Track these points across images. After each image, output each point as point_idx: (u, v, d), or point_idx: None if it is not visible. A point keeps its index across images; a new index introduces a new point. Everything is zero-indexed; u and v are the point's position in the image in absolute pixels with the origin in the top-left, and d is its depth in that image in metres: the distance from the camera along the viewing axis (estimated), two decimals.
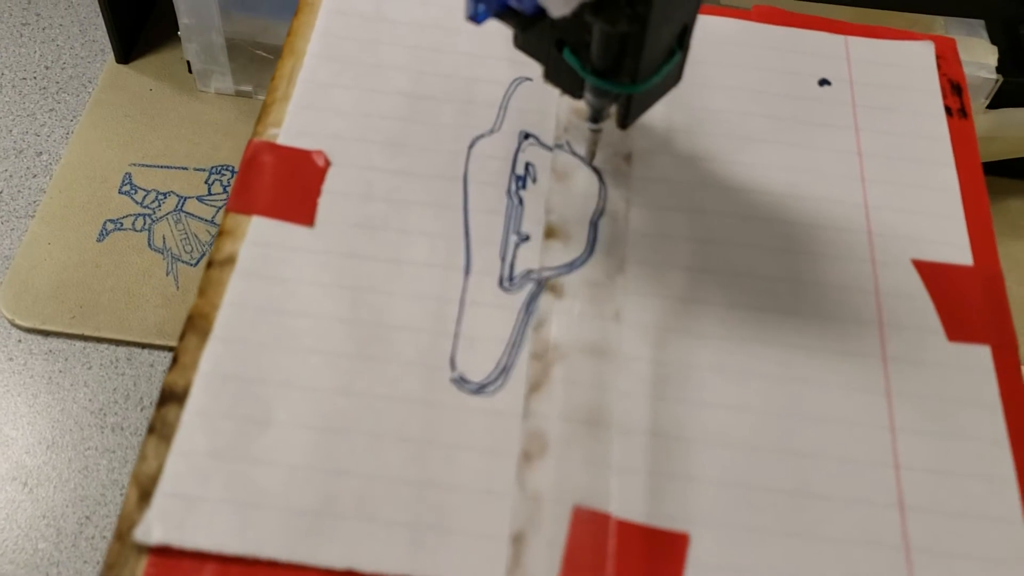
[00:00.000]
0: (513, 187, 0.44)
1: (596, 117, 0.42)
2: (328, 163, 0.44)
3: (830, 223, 0.44)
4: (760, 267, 0.42)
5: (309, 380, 0.37)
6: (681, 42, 0.38)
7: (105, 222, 0.79)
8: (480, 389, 0.38)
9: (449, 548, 0.33)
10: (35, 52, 0.90)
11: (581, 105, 0.45)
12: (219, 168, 0.85)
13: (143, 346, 0.72)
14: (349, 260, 0.41)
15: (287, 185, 0.43)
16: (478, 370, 0.38)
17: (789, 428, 0.37)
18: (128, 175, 0.83)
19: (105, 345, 0.72)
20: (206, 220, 0.81)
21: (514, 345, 0.39)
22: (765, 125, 0.47)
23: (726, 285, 0.41)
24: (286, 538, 0.33)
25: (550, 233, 0.43)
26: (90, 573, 0.62)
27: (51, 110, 0.86)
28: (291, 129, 0.45)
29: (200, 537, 0.33)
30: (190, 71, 0.91)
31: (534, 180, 0.45)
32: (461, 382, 0.38)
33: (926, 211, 0.45)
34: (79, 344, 0.71)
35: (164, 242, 0.80)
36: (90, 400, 0.69)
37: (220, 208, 0.81)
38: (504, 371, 0.38)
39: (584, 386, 0.37)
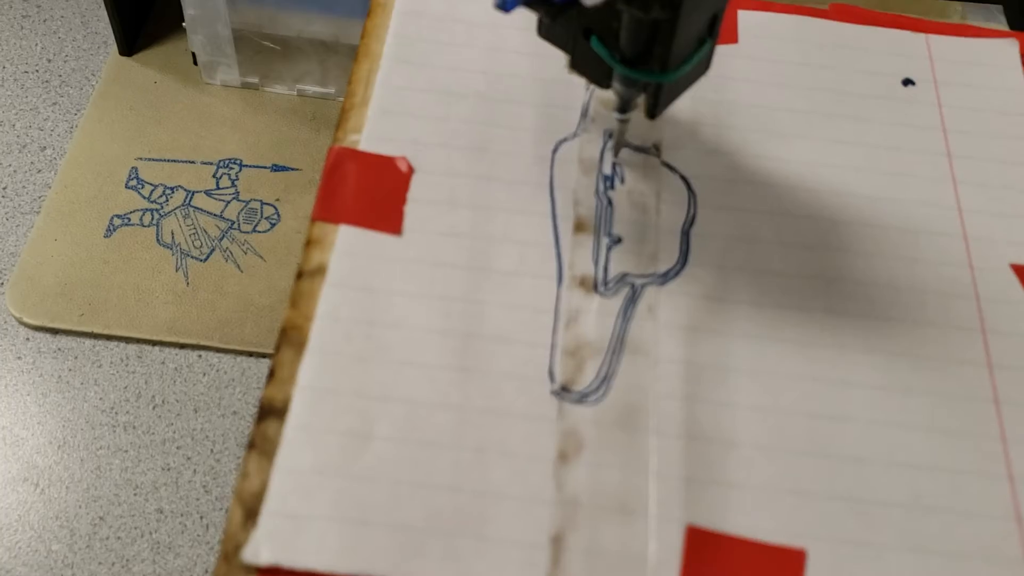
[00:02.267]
0: (601, 187, 0.42)
1: (624, 107, 0.40)
2: (411, 169, 0.41)
3: (923, 226, 0.43)
4: (854, 271, 0.41)
5: (407, 393, 0.35)
6: (711, 30, 0.37)
7: (112, 217, 0.75)
8: (582, 399, 0.36)
9: (579, 563, 0.31)
10: (36, 45, 0.84)
11: (608, 95, 0.43)
12: (227, 162, 0.81)
13: (154, 343, 0.68)
14: (439, 269, 0.39)
15: (372, 193, 0.40)
16: (579, 380, 0.36)
17: (899, 440, 0.36)
18: (134, 169, 0.79)
19: (115, 343, 0.68)
20: (215, 215, 0.77)
21: (614, 353, 0.37)
22: (850, 127, 0.46)
23: (823, 291, 0.40)
24: (394, 556, 0.31)
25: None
26: (104, 575, 0.58)
27: (54, 104, 0.81)
28: (372, 135, 0.42)
29: (309, 557, 0.30)
30: (195, 63, 0.87)
31: (622, 180, 0.43)
32: (563, 393, 0.36)
33: (1022, 214, 0.44)
34: (88, 342, 0.67)
35: (173, 237, 0.75)
36: (101, 399, 0.65)
37: (229, 202, 0.77)
38: (605, 380, 0.36)
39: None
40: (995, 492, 0.35)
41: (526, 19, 0.47)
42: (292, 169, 0.81)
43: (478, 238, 0.40)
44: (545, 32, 0.39)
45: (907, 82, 0.48)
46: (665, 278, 0.40)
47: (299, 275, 0.37)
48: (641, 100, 0.39)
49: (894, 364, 0.38)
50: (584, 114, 0.45)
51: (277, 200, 0.79)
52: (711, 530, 0.33)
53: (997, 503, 0.34)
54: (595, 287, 0.39)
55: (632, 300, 0.39)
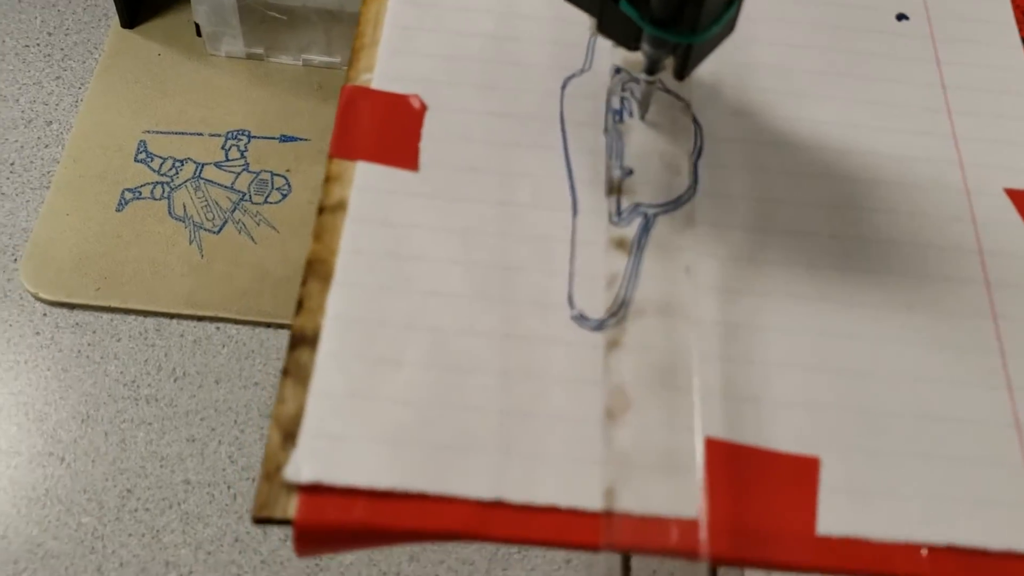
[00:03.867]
0: (611, 121, 0.45)
1: (653, 68, 0.43)
2: (424, 106, 0.44)
3: (921, 154, 0.46)
4: (856, 199, 0.44)
5: (432, 321, 0.38)
6: None
7: (123, 191, 0.79)
8: (601, 325, 0.39)
9: (592, 476, 0.35)
10: (36, 18, 0.89)
11: (635, 56, 0.46)
12: (235, 133, 0.85)
13: (171, 316, 0.72)
14: (456, 204, 0.42)
15: (387, 130, 0.44)
16: (597, 307, 0.40)
17: (904, 354, 0.39)
18: (143, 143, 0.83)
19: (133, 316, 0.72)
20: (226, 187, 0.81)
21: (630, 279, 0.40)
22: (845, 60, 0.49)
23: (826, 217, 0.43)
24: (432, 471, 0.34)
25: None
26: (135, 546, 0.62)
27: (58, 78, 0.85)
28: (383, 74, 0.46)
29: (349, 473, 0.34)
30: (198, 34, 0.91)
31: (631, 114, 0.46)
32: (581, 319, 0.39)
33: (1014, 141, 0.47)
34: (106, 316, 0.71)
35: (185, 210, 0.79)
36: (121, 373, 0.69)
37: (239, 174, 0.81)
38: (623, 305, 0.40)
39: (663, 349, 0.38)
40: (995, 401, 0.38)
41: None
42: (301, 139, 0.85)
43: (492, 172, 0.43)
44: None
45: (901, 16, 0.51)
46: (677, 204, 0.43)
47: (320, 210, 0.41)
48: (669, 61, 0.41)
49: (897, 283, 0.41)
50: (589, 50, 0.48)
51: (287, 171, 0.83)
52: (733, 442, 0.36)
53: (997, 412, 0.37)
54: (609, 218, 0.42)
55: (645, 229, 0.42)
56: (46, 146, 0.80)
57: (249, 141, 0.84)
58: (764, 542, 0.34)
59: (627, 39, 0.42)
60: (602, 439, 0.36)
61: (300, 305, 0.37)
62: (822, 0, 0.51)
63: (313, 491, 0.33)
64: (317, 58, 0.90)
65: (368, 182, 0.42)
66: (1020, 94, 0.49)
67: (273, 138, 0.85)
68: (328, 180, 0.42)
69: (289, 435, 0.34)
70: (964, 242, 0.44)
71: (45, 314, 0.71)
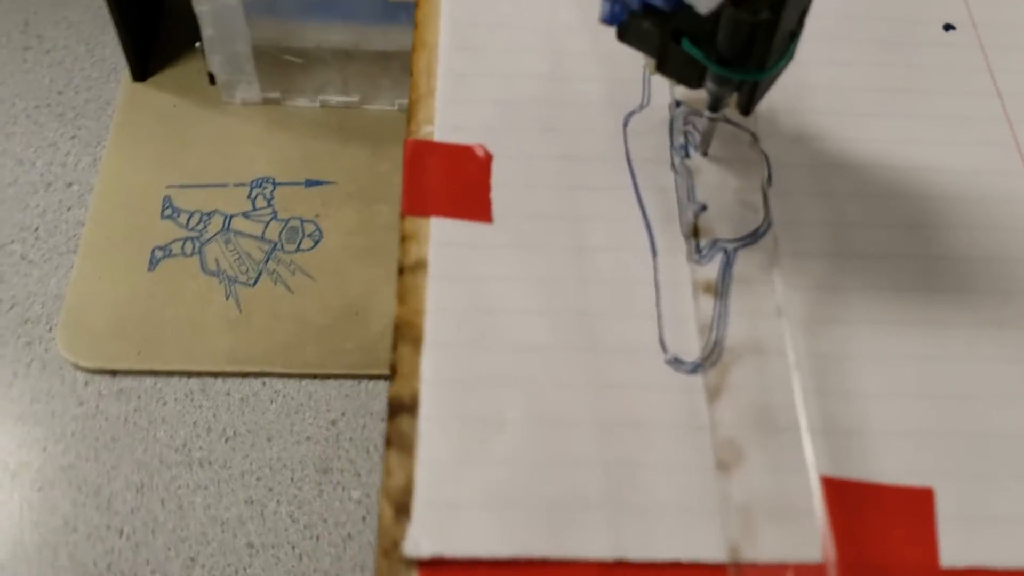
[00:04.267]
0: (676, 159, 0.46)
1: (717, 106, 0.43)
2: (490, 155, 0.45)
3: (987, 166, 0.46)
4: (929, 216, 0.44)
5: (526, 375, 0.38)
6: (800, 24, 0.40)
7: (153, 250, 0.79)
8: (696, 368, 0.39)
9: (709, 526, 0.35)
10: (44, 77, 0.89)
11: (696, 94, 0.46)
12: (260, 181, 0.85)
13: (216, 375, 0.72)
14: (534, 252, 0.42)
15: (456, 183, 0.44)
16: (690, 349, 0.40)
17: (1002, 373, 0.39)
18: (168, 198, 0.83)
19: (176, 378, 0.72)
20: (256, 237, 0.81)
21: (719, 319, 0.40)
22: (897, 75, 0.49)
23: (906, 239, 0.43)
24: (549, 534, 0.34)
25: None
26: None
27: (72, 137, 0.85)
28: (444, 124, 0.46)
29: (467, 544, 0.34)
30: (212, 83, 0.91)
31: (695, 148, 0.46)
32: (676, 363, 0.39)
33: None
34: (149, 380, 0.71)
35: (218, 265, 0.79)
36: (171, 437, 0.69)
37: (268, 223, 0.81)
38: (716, 346, 0.40)
39: (761, 389, 0.39)
40: None
41: None
42: (327, 183, 0.85)
43: (566, 218, 0.43)
44: (627, 37, 0.42)
45: (948, 27, 0.51)
46: (755, 237, 0.43)
47: (400, 271, 0.41)
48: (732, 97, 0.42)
49: (984, 300, 0.41)
50: (646, 84, 0.49)
51: (317, 216, 0.83)
52: (845, 479, 0.36)
53: None
54: (688, 256, 0.42)
55: (727, 266, 0.42)
56: (69, 208, 0.80)
57: (275, 188, 0.84)
58: None
59: (690, 79, 0.43)
60: (718, 493, 0.36)
61: (394, 371, 0.37)
62: (867, 15, 0.52)
63: (434, 564, 0.33)
64: (335, 98, 0.90)
65: (445, 238, 0.42)
66: None
67: (298, 183, 0.85)
68: (404, 240, 0.42)
69: (402, 508, 0.34)
70: None
71: (87, 383, 0.71)
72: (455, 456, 0.36)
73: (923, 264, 0.43)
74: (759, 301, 0.41)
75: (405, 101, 0.92)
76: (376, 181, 0.87)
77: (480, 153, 0.45)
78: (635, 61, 0.49)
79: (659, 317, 0.40)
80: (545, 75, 0.48)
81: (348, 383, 0.73)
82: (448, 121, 0.46)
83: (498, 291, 0.40)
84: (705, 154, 0.46)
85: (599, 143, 0.46)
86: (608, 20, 0.39)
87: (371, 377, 0.74)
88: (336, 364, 0.74)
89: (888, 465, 0.37)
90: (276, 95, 0.90)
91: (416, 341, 0.38)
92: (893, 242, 0.44)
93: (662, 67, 0.43)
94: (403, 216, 0.43)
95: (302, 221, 0.82)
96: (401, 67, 0.90)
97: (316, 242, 0.81)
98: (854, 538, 0.35)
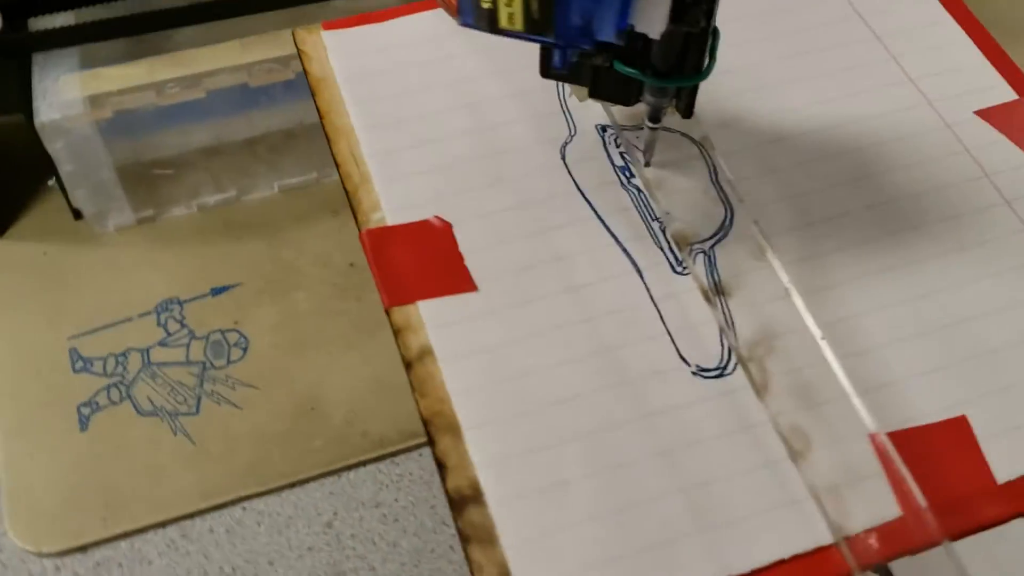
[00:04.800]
0: (622, 179, 0.47)
1: (657, 116, 0.45)
2: (448, 224, 0.45)
3: (894, 105, 0.50)
4: (866, 166, 0.48)
5: (572, 428, 0.39)
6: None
7: (79, 408, 0.76)
8: (722, 371, 0.41)
9: (796, 515, 0.36)
10: None
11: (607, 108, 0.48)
12: (164, 304, 0.82)
13: (192, 516, 0.70)
14: (530, 306, 0.43)
15: (427, 261, 0.44)
16: (708, 355, 0.41)
17: (987, 289, 0.43)
18: (73, 350, 0.80)
19: (152, 532, 0.69)
20: (181, 363, 0.79)
21: (726, 319, 0.42)
22: (792, 41, 0.53)
23: (852, 223, 0.47)
24: (656, 575, 0.35)
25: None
26: None
27: None
28: (392, 206, 0.46)
29: None
30: (77, 218, 0.88)
31: (636, 163, 0.48)
32: (702, 372, 0.41)
33: (957, 66, 0.52)
34: (124, 544, 0.68)
35: (152, 403, 0.77)
36: None
37: (189, 344, 0.79)
38: (726, 347, 0.41)
39: (795, 370, 0.41)
40: None
41: (471, 42, 0.52)
42: (233, 286, 0.83)
43: (545, 262, 0.44)
44: (553, 73, 0.43)
45: None
46: (723, 230, 0.45)
47: (408, 365, 0.41)
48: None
49: (940, 229, 0.45)
50: (566, 114, 0.50)
51: (236, 323, 0.82)
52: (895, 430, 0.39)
53: None
54: (672, 270, 0.44)
55: (712, 265, 0.44)
56: None
57: (182, 308, 0.82)
58: (966, 509, 0.37)
59: (627, 97, 0.44)
60: (802, 480, 0.37)
61: (443, 466, 0.38)
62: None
63: None
64: (211, 199, 0.89)
65: (438, 318, 0.42)
66: (937, 22, 0.54)
67: (204, 295, 0.83)
68: (399, 333, 0.42)
69: None
70: (970, 171, 0.48)
71: (58, 568, 0.67)
72: (538, 531, 0.36)
73: (879, 212, 0.47)
74: (755, 288, 0.43)
75: (285, 182, 0.91)
76: (282, 270, 0.86)
77: (439, 224, 0.45)
78: (549, 93, 0.51)
79: (669, 333, 0.42)
80: (470, 130, 0.49)
81: (329, 481, 0.72)
82: (394, 202, 0.46)
83: (512, 355, 0.41)
84: (648, 164, 0.48)
85: (547, 182, 0.47)
86: (558, 67, 0.41)
87: (348, 468, 0.73)
88: (310, 466, 0.73)
89: (921, 407, 0.40)
90: (150, 212, 0.87)
91: (453, 429, 0.39)
92: (846, 199, 0.47)
93: (595, 93, 0.44)
94: (388, 309, 0.42)
95: (223, 332, 0.80)
96: (269, 149, 0.89)
97: (244, 349, 0.79)
98: (924, 483, 0.37)
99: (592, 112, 0.50)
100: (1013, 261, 0.45)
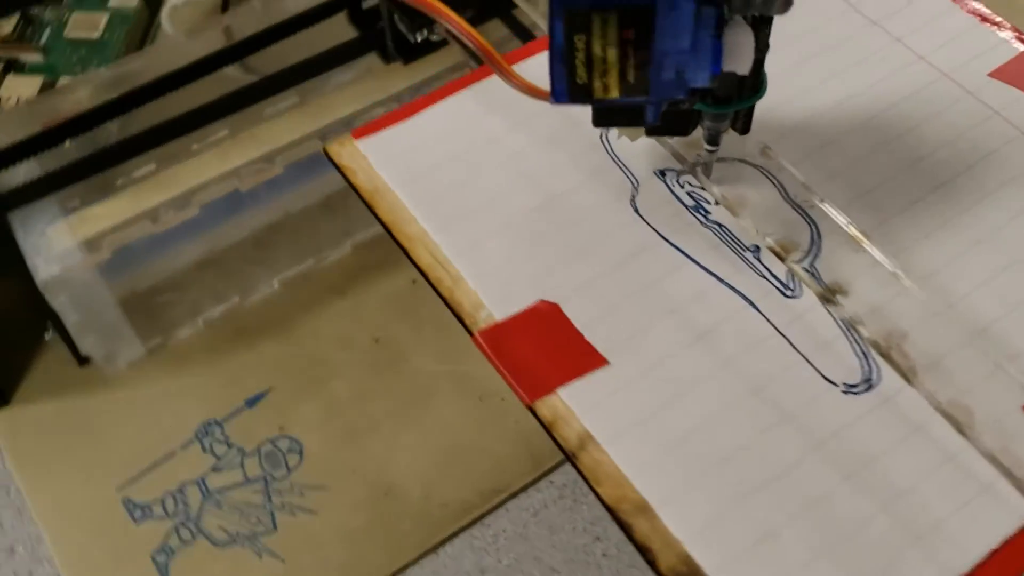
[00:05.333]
0: (700, 218, 0.49)
1: (715, 139, 0.47)
2: (554, 304, 0.46)
3: (915, 86, 0.53)
4: (882, 133, 0.50)
5: (755, 478, 0.40)
6: None
7: (153, 558, 0.74)
8: (869, 383, 0.42)
9: (992, 502, 0.38)
10: None
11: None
12: (203, 428, 0.81)
13: None
14: (666, 366, 0.44)
15: (550, 347, 0.45)
16: (848, 370, 0.43)
17: None
18: (127, 500, 0.78)
19: None
20: (241, 483, 0.78)
21: (848, 329, 0.44)
22: (808, 67, 0.55)
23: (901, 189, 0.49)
24: None
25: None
26: None
27: None
28: (494, 301, 0.46)
29: None
30: (82, 364, 0.85)
31: (707, 201, 0.49)
32: (850, 389, 0.42)
33: (955, 35, 0.55)
34: None
35: (227, 531, 0.75)
36: None
37: (243, 462, 0.78)
38: (865, 356, 0.43)
39: (932, 353, 0.43)
40: None
41: (507, 117, 0.52)
42: (265, 392, 0.82)
43: (665, 316, 0.45)
44: (607, 119, 0.44)
45: None
46: (817, 243, 0.47)
47: (573, 457, 0.41)
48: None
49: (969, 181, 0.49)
50: (619, 165, 0.51)
51: (281, 428, 0.81)
52: None
53: None
54: (783, 294, 0.45)
55: (819, 280, 0.45)
56: (31, 573, 0.74)
57: (222, 427, 0.81)
58: None
59: (685, 128, 0.46)
60: (985, 459, 0.39)
61: (648, 550, 0.38)
62: None
63: None
64: (216, 311, 0.87)
65: (584, 401, 0.43)
66: None
67: (241, 409, 0.82)
68: (552, 426, 0.43)
69: None
70: (1007, 132, 0.51)
71: None
72: None
73: (944, 192, 0.49)
74: (866, 284, 0.45)
75: (284, 275, 0.90)
76: (309, 363, 0.85)
77: (547, 307, 0.46)
78: (595, 148, 0.51)
79: (805, 358, 0.43)
80: (538, 205, 0.50)
81: (428, 561, 0.72)
82: (494, 296, 0.47)
83: (668, 420, 0.42)
84: (708, 177, 0.49)
85: (631, 238, 0.48)
86: (652, 120, 0.42)
87: (442, 543, 0.73)
88: (405, 551, 0.73)
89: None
90: (159, 340, 0.86)
91: (644, 510, 0.40)
92: (910, 186, 0.49)
93: (654, 131, 0.45)
94: (531, 405, 0.43)
95: (272, 442, 0.79)
96: (260, 247, 0.88)
97: (300, 453, 0.78)
98: None
99: (641, 156, 0.51)
100: None
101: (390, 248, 0.89)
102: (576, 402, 0.43)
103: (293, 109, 0.80)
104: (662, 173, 0.50)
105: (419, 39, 0.72)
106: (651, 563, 0.39)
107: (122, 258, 0.78)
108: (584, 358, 0.44)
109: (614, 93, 0.40)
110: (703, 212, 0.49)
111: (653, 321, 0.45)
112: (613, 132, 0.52)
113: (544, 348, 0.45)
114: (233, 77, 0.84)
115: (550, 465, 0.81)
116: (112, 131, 0.82)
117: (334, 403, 0.82)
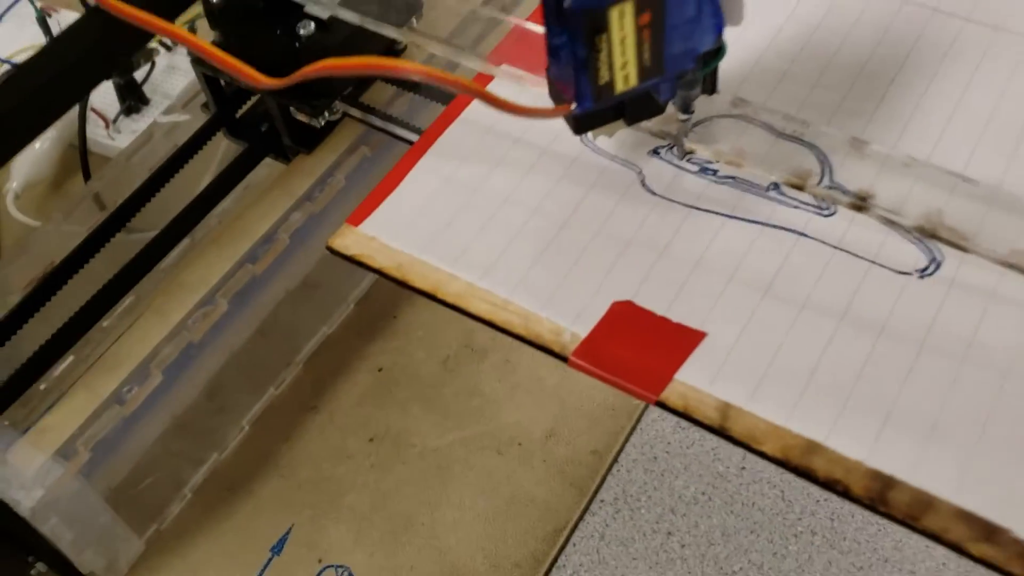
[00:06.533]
0: (712, 178, 0.50)
1: (688, 107, 0.49)
2: (629, 302, 0.46)
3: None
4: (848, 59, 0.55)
5: (891, 392, 0.42)
6: None
7: None
8: (937, 264, 0.45)
9: None
10: None
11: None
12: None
13: None
14: (755, 319, 0.46)
15: (647, 342, 0.47)
16: (915, 256, 0.46)
17: None
18: None
19: None
20: None
21: (894, 224, 0.47)
22: None
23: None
24: None
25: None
26: None
27: None
28: (571, 321, 0.47)
29: None
30: None
31: (710, 162, 0.51)
32: (923, 274, 0.45)
33: None
34: None
35: None
36: None
37: None
38: (920, 240, 0.46)
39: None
40: None
41: (488, 155, 0.53)
42: (286, 535, 0.80)
43: (729, 281, 0.47)
44: (587, 125, 0.45)
45: None
46: (827, 161, 0.49)
47: (722, 432, 0.42)
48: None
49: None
50: (620, 161, 0.53)
51: (320, 561, 0.78)
52: None
53: None
54: (821, 215, 0.47)
55: (846, 192, 0.48)
56: None
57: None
58: None
59: (656, 109, 0.47)
60: None
61: (838, 484, 0.40)
62: None
63: None
64: (199, 475, 0.83)
65: (704, 376, 0.45)
66: None
67: (270, 560, 0.78)
68: (688, 411, 0.43)
69: None
70: (922, 14, 0.55)
71: None
72: None
73: (867, 76, 0.53)
74: (883, 184, 0.48)
75: (250, 415, 0.86)
76: (313, 489, 0.83)
77: (623, 307, 0.47)
78: (585, 153, 0.53)
79: (875, 262, 0.46)
80: (563, 222, 0.51)
81: None
82: (568, 315, 0.47)
83: (789, 363, 0.44)
84: (684, 157, 0.51)
85: (666, 218, 0.50)
86: (668, 97, 0.43)
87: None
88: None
89: None
90: (153, 527, 0.81)
91: (814, 449, 0.41)
92: (839, 82, 0.54)
93: (632, 120, 0.47)
94: (659, 400, 0.43)
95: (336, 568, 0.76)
96: (215, 396, 0.84)
97: (351, 575, 0.75)
98: None
99: (628, 147, 0.53)
100: None
101: (341, 349, 0.89)
102: (697, 379, 0.44)
103: (210, 243, 0.78)
104: (656, 152, 0.52)
105: (323, 123, 0.70)
106: (843, 493, 0.40)
107: (99, 453, 0.73)
108: (682, 339, 0.45)
109: (633, 82, 0.42)
110: (712, 172, 0.51)
111: (724, 284, 0.47)
112: (588, 136, 0.53)
113: (641, 345, 0.46)
114: (122, 241, 0.80)
115: (594, 487, 0.81)
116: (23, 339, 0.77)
117: (359, 517, 0.80)
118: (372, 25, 0.59)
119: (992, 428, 0.41)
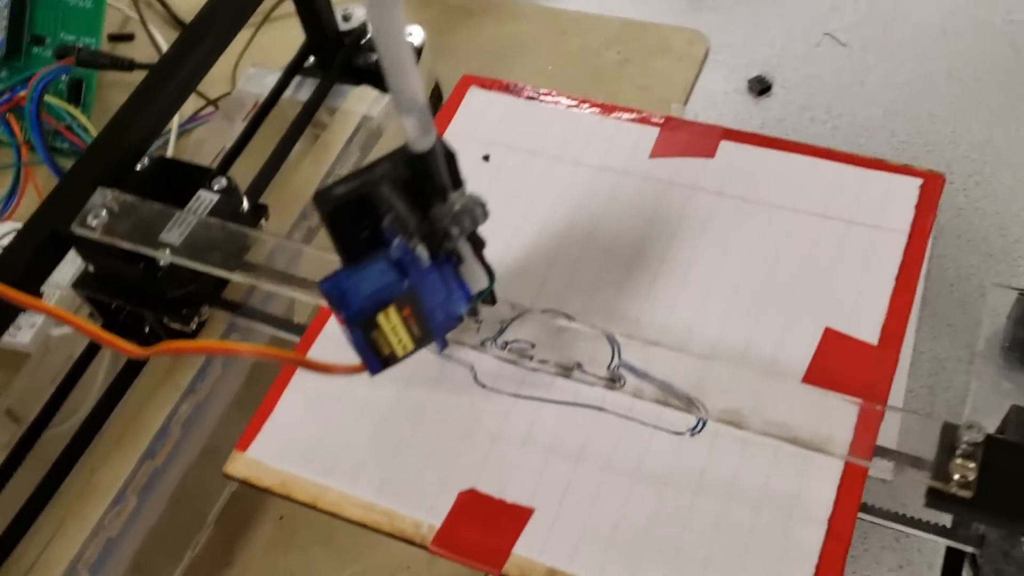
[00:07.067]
0: (532, 365, 0.62)
1: (476, 313, 0.60)
2: (471, 489, 0.57)
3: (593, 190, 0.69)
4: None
5: (675, 541, 0.54)
6: None
7: None
8: (704, 422, 0.57)
9: None
10: None
11: None
12: None
13: None
14: (573, 484, 0.57)
15: (489, 523, 0.58)
16: (683, 418, 0.57)
17: None
18: None
19: None
20: None
21: (667, 392, 0.59)
22: None
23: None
24: None
25: None
26: None
27: None
28: (426, 513, 0.57)
29: None
30: None
31: (527, 347, 0.62)
32: (693, 431, 0.57)
33: (610, 134, 0.72)
34: None
35: None
36: None
37: None
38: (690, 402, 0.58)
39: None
40: None
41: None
42: None
43: (546, 454, 0.58)
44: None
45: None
46: (616, 344, 0.61)
47: None
48: None
49: None
50: (454, 359, 0.63)
51: None
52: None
53: None
54: (615, 389, 0.59)
55: (631, 369, 0.60)
56: None
57: None
58: None
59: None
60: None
61: None
62: None
63: None
64: None
65: (535, 546, 0.55)
66: None
67: None
68: None
69: None
70: (682, 193, 0.68)
71: None
72: None
73: (617, 257, 0.65)
74: (656, 360, 0.60)
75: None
76: None
77: (468, 497, 0.57)
78: (430, 361, 0.63)
79: (654, 427, 0.58)
80: (414, 417, 0.60)
81: None
82: (422, 508, 0.58)
83: (600, 521, 0.55)
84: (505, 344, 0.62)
85: (493, 410, 0.61)
86: (443, 347, 0.56)
87: None
88: None
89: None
90: None
91: None
92: (599, 265, 0.66)
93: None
94: (501, 574, 0.54)
95: None
96: (136, 569, 0.91)
97: None
98: None
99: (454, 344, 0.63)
100: None
101: (243, 504, 0.96)
102: (529, 550, 0.56)
103: (114, 444, 0.85)
104: (482, 344, 0.63)
105: (194, 327, 0.79)
106: None
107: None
108: (516, 517, 0.57)
109: (410, 347, 0.53)
110: (529, 357, 0.62)
111: (544, 459, 0.58)
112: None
113: (484, 526, 0.57)
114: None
115: None
116: None
117: None
118: (208, 270, 0.67)
119: (751, 556, 0.55)
